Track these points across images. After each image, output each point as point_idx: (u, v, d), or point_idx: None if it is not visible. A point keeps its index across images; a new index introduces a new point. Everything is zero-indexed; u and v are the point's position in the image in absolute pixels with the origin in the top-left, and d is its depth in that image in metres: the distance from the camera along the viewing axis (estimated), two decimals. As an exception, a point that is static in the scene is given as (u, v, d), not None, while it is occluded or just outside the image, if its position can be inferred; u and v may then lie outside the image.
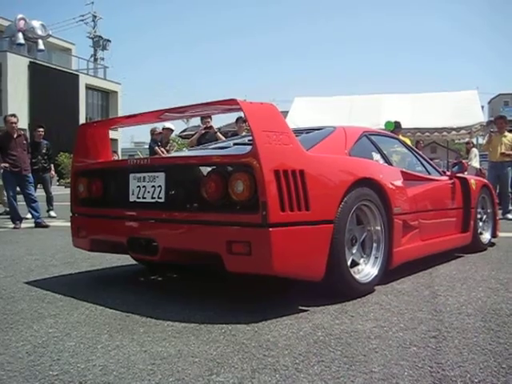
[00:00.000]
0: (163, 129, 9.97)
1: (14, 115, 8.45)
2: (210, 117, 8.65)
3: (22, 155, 8.28)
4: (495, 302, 3.20)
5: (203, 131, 8.87)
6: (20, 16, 33.42)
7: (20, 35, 32.89)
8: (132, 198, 3.50)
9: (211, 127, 8.80)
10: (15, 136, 8.25)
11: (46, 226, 8.14)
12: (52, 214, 10.03)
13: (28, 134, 12.06)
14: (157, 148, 9.69)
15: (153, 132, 10.52)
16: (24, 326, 2.73)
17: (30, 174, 8.50)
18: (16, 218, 8.14)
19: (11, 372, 2.10)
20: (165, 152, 9.41)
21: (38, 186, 10.02)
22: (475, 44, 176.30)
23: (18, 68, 30.62)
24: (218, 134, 8.69)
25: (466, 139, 15.14)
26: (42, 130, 10.40)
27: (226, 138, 8.04)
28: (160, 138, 10.15)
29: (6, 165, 8.04)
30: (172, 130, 10.26)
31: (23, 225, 8.25)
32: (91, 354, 2.30)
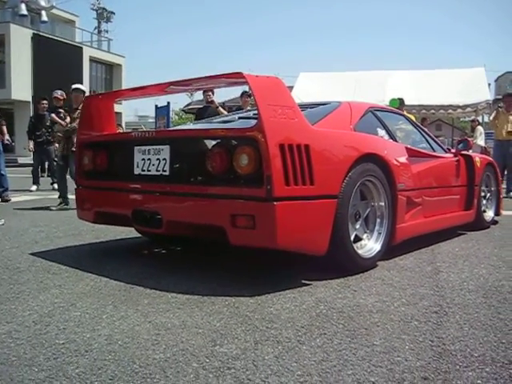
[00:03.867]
0: (72, 90, 7.53)
1: None
2: (212, 91, 8.35)
3: None
4: (497, 279, 3.22)
5: (203, 106, 8.68)
6: (23, -14, 33.03)
7: (23, 6, 32.50)
8: (137, 171, 3.50)
9: (212, 101, 8.51)
10: None
11: (7, 201, 7.85)
12: (56, 186, 10.04)
13: (32, 107, 11.95)
14: (53, 115, 7.97)
15: (52, 97, 9.02)
16: (30, 296, 2.77)
17: None
18: None
19: (19, 340, 2.14)
20: (67, 120, 7.42)
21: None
22: (482, 21, 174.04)
23: (20, 40, 30.33)
24: (220, 108, 8.46)
25: (472, 117, 15.06)
26: (45, 102, 10.38)
27: (229, 112, 7.97)
28: (67, 103, 8.29)
29: None
30: (83, 92, 7.55)
31: (27, 197, 8.29)
32: (96, 324, 2.33)
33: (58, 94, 8.85)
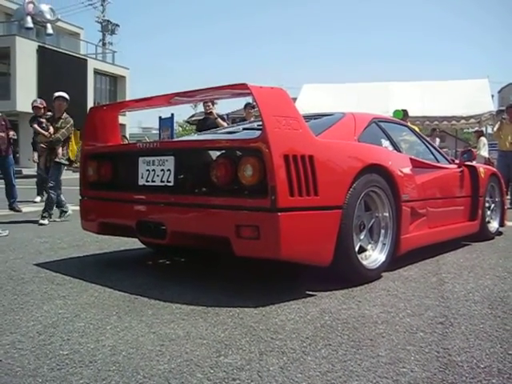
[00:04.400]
0: (54, 99, 7.02)
1: None
2: (211, 102, 8.15)
3: (1, 137, 7.85)
4: (502, 289, 3.20)
5: (203, 117, 8.56)
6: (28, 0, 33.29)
7: (29, 19, 32.77)
8: (141, 182, 3.51)
9: (211, 112, 8.29)
10: None
11: (20, 211, 7.79)
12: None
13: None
14: (35, 126, 7.24)
15: (33, 106, 8.41)
16: (34, 307, 2.76)
17: (11, 156, 8.04)
18: None
19: (23, 351, 2.13)
20: (51, 130, 6.84)
21: None
22: (486, 33, 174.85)
23: (26, 52, 30.53)
24: (219, 119, 8.28)
25: (476, 128, 15.03)
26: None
27: (233, 123, 7.95)
28: (42, 113, 7.69)
29: None
30: (66, 100, 7.00)
31: (31, 208, 8.29)
32: (100, 335, 2.33)
33: (38, 102, 8.32)
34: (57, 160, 6.72)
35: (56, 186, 6.70)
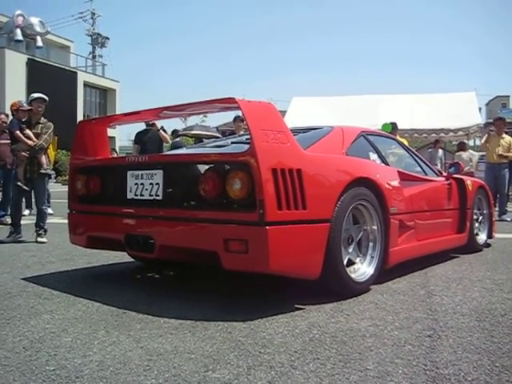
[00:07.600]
0: (31, 101, 6.24)
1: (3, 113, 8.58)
2: None
3: (7, 149, 7.80)
4: (490, 301, 3.22)
5: (144, 129, 8.44)
6: (18, 12, 33.29)
7: (18, 32, 32.78)
8: (130, 196, 3.51)
9: (154, 124, 8.10)
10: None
11: (7, 224, 7.29)
12: (49, 210, 9.98)
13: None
14: (18, 133, 6.09)
15: (15, 108, 7.36)
16: (21, 322, 2.74)
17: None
18: None
19: (8, 367, 2.11)
20: (31, 137, 6.07)
21: None
22: (473, 46, 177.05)
23: (16, 65, 30.54)
24: (161, 132, 8.27)
25: (461, 140, 15.12)
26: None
27: (223, 136, 7.98)
28: (26, 117, 6.43)
29: None
30: (45, 102, 6.23)
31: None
32: (88, 350, 2.31)
33: (25, 104, 7.01)
34: (42, 171, 6.11)
35: (46, 198, 6.41)
